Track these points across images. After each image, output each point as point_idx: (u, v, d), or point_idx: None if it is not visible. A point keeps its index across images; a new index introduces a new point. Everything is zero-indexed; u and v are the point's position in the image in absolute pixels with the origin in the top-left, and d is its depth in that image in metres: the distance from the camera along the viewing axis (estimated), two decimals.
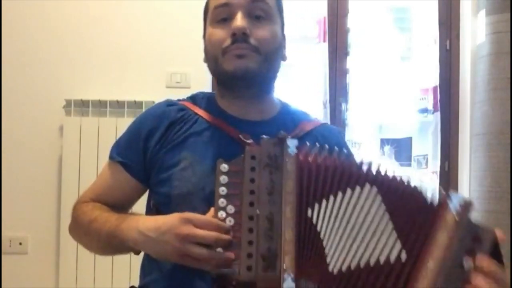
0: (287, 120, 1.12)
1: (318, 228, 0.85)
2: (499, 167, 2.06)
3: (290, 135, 0.92)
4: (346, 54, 2.49)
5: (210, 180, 0.94)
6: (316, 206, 0.85)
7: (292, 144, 0.89)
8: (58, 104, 2.38)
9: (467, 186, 2.28)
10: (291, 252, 0.83)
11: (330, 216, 0.85)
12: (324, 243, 0.84)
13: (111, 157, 1.13)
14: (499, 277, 0.79)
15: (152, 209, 1.09)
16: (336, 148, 0.90)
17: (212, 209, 0.90)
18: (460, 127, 2.43)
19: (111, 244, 1.02)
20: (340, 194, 0.85)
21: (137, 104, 2.35)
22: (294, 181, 0.86)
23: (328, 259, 0.84)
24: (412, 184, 0.86)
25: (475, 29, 2.27)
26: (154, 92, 2.37)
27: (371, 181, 0.85)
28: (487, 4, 2.16)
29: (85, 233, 1.09)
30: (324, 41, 2.41)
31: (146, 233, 0.93)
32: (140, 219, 0.98)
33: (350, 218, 0.84)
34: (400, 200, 0.84)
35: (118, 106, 2.37)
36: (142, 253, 1.12)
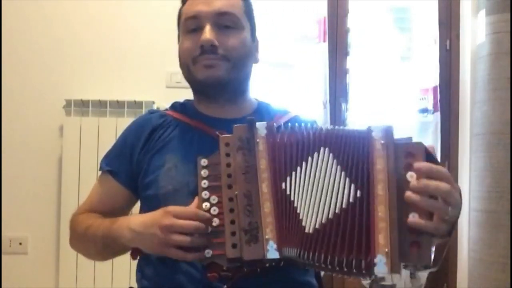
0: (264, 116, 1.17)
1: (292, 197, 0.93)
2: (499, 167, 2.06)
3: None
4: (346, 54, 2.49)
5: (194, 178, 1.00)
6: (288, 179, 0.94)
7: (261, 126, 0.97)
8: (58, 104, 2.38)
9: (467, 186, 2.27)
10: (271, 223, 0.92)
11: (299, 185, 0.93)
12: (298, 210, 0.92)
13: (100, 168, 1.20)
14: (438, 170, 0.86)
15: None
16: (297, 124, 0.98)
17: (195, 200, 0.96)
18: (460, 127, 2.43)
19: (107, 245, 1.08)
20: (304, 164, 0.94)
21: (137, 104, 2.35)
22: (266, 160, 0.95)
23: (303, 223, 0.91)
24: (349, 130, 0.96)
25: (475, 29, 2.27)
26: (154, 92, 2.37)
27: (323, 145, 0.94)
28: (487, 4, 2.16)
29: (83, 240, 1.14)
30: (324, 41, 2.41)
31: (135, 229, 1.00)
32: (131, 218, 1.05)
33: (314, 181, 0.92)
34: (344, 150, 0.93)
35: (118, 106, 2.37)
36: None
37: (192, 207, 0.96)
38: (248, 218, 0.92)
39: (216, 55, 1.09)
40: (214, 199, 0.95)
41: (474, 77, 2.26)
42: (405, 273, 2.37)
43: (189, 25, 1.12)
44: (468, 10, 2.36)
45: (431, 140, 2.41)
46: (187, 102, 1.23)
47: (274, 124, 0.99)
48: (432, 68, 2.43)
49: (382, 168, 0.88)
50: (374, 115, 2.50)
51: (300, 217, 0.91)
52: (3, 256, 2.36)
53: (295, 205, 0.92)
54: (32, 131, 2.42)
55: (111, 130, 2.29)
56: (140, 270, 1.13)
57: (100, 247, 1.09)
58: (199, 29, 1.10)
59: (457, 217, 0.91)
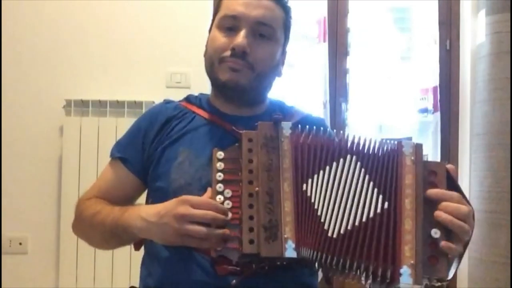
0: (277, 112, 1.16)
1: (313, 199, 0.94)
2: (499, 167, 2.06)
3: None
4: (346, 54, 2.49)
5: (207, 172, 1.00)
6: (309, 181, 0.95)
7: (286, 126, 0.97)
8: (58, 104, 2.38)
9: (467, 186, 2.27)
10: (290, 223, 0.92)
11: (321, 188, 0.94)
12: (319, 212, 0.93)
13: (111, 155, 1.18)
14: (455, 196, 0.93)
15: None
16: (321, 128, 1.00)
17: (208, 191, 0.97)
18: (460, 127, 2.43)
19: (115, 234, 1.06)
20: (327, 168, 0.95)
21: (137, 104, 2.35)
22: (290, 159, 0.95)
23: (326, 226, 0.92)
24: (378, 142, 0.97)
25: (475, 29, 2.27)
26: (154, 92, 2.37)
27: (350, 152, 0.96)
28: (487, 4, 2.16)
29: (89, 226, 1.12)
30: (324, 41, 2.41)
31: (148, 218, 0.98)
32: (142, 207, 1.04)
33: (339, 187, 0.94)
34: (372, 161, 0.95)
35: (118, 106, 2.37)
36: (141, 251, 1.13)
37: (206, 197, 0.96)
38: (269, 216, 0.92)
39: (244, 61, 1.08)
40: (228, 192, 0.95)
41: (474, 77, 2.26)
42: None
43: (226, 22, 1.11)
44: (468, 10, 2.36)
45: (431, 140, 2.41)
46: (202, 96, 1.22)
47: (299, 125, 0.98)
48: (432, 68, 2.43)
49: (411, 183, 0.93)
50: (374, 115, 2.50)
51: (322, 220, 0.93)
52: (3, 256, 2.36)
53: (316, 207, 0.93)
54: (32, 131, 2.42)
55: (111, 130, 2.29)
56: (145, 267, 1.11)
57: (108, 235, 1.08)
58: (234, 29, 1.10)
59: (468, 241, 0.96)
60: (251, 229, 0.91)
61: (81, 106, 2.38)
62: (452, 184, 0.95)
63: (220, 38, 1.11)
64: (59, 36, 2.44)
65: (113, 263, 2.28)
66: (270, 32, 1.11)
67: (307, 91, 2.49)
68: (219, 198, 0.95)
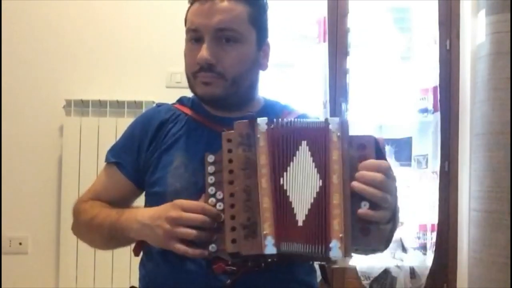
0: (271, 113, 1.15)
1: (288, 193, 0.95)
2: (499, 167, 2.06)
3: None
4: (346, 54, 2.49)
5: (202, 176, 1.01)
6: (285, 174, 0.96)
7: (262, 122, 0.98)
8: (58, 104, 2.38)
9: (467, 186, 2.27)
10: (269, 219, 0.93)
11: (293, 179, 0.95)
12: (293, 205, 0.95)
13: (106, 160, 1.20)
14: (378, 164, 0.94)
15: None
16: (292, 119, 1.02)
17: (202, 196, 0.99)
18: (460, 127, 2.43)
19: (113, 237, 1.09)
20: (294, 158, 0.96)
21: (137, 104, 2.35)
22: (266, 155, 0.97)
23: (296, 217, 0.94)
24: (317, 123, 0.99)
25: (475, 29, 2.27)
26: (154, 92, 2.37)
27: (303, 137, 0.97)
28: (487, 4, 2.16)
29: (88, 229, 1.14)
30: (324, 41, 2.41)
31: (142, 221, 1.01)
32: (139, 210, 1.07)
33: (301, 175, 0.95)
34: (314, 141, 0.97)
35: (118, 106, 2.37)
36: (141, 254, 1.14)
37: (199, 202, 0.98)
38: (247, 214, 0.93)
39: (213, 73, 1.08)
40: (219, 194, 0.97)
41: (474, 77, 2.26)
42: (405, 273, 2.37)
43: (191, 35, 1.13)
44: (468, 10, 2.36)
45: (431, 140, 2.41)
46: (195, 98, 1.22)
47: (275, 119, 0.99)
48: (432, 68, 2.43)
49: (337, 159, 0.94)
50: (374, 115, 2.50)
51: (294, 212, 0.94)
52: (3, 256, 2.36)
53: (290, 199, 0.95)
54: (32, 131, 2.42)
55: (111, 130, 2.29)
56: (143, 267, 1.13)
57: (106, 237, 1.10)
58: (201, 40, 1.10)
59: (395, 204, 0.98)
60: (233, 228, 0.94)
61: (81, 106, 2.38)
62: (381, 154, 0.98)
63: (189, 53, 1.13)
64: (59, 36, 2.44)
65: (113, 263, 2.28)
66: (234, 34, 1.09)
67: (307, 91, 2.49)
68: (212, 200, 0.97)
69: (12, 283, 2.35)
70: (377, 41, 2.53)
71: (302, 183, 0.95)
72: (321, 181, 0.94)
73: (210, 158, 0.99)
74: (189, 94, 1.23)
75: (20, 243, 2.39)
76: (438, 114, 2.40)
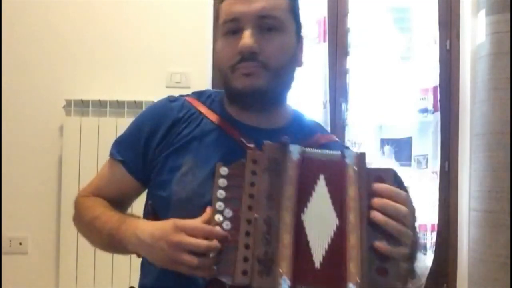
0: (299, 130, 1.10)
1: (307, 230, 0.88)
2: (499, 167, 2.06)
3: (303, 145, 0.93)
4: (346, 54, 2.49)
5: (210, 186, 0.93)
6: (305, 209, 0.88)
7: (295, 150, 0.90)
8: (58, 104, 2.38)
9: (467, 186, 2.27)
10: (287, 257, 0.85)
11: (311, 216, 0.89)
12: (311, 244, 0.87)
13: (111, 155, 1.13)
14: (398, 192, 0.87)
15: (149, 209, 1.09)
16: (320, 151, 0.94)
17: (208, 210, 0.90)
18: (460, 127, 2.43)
19: (111, 244, 1.04)
20: (313, 193, 0.89)
21: (137, 104, 2.35)
22: (294, 186, 0.88)
23: (313, 257, 0.87)
24: (331, 153, 0.93)
25: (475, 29, 2.27)
26: (154, 92, 2.36)
27: (322, 170, 0.91)
28: (487, 4, 2.16)
29: (88, 229, 1.10)
30: (324, 41, 2.41)
31: (142, 238, 0.94)
32: (139, 223, 0.99)
33: (319, 212, 0.89)
34: (330, 175, 0.90)
35: (118, 106, 2.37)
36: None
37: (204, 218, 0.90)
38: (265, 248, 0.85)
39: (256, 63, 1.01)
40: (228, 212, 0.88)
41: (474, 77, 2.26)
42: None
43: (228, 27, 1.03)
44: (468, 10, 2.36)
45: (431, 140, 2.40)
46: (215, 95, 1.14)
47: (309, 149, 0.92)
48: (432, 68, 2.43)
49: (354, 195, 0.88)
50: (374, 115, 2.50)
51: (312, 251, 0.87)
52: (3, 256, 2.36)
53: (308, 238, 0.88)
54: (32, 131, 2.42)
55: (111, 130, 2.29)
56: (144, 266, 1.10)
57: (105, 242, 1.06)
58: (238, 32, 1.02)
59: (415, 242, 0.91)
60: (245, 259, 0.85)
61: (81, 106, 2.38)
62: (401, 188, 0.90)
63: (226, 46, 1.04)
64: (59, 36, 2.44)
65: (113, 263, 2.28)
66: (276, 23, 1.02)
67: (307, 91, 2.48)
68: (218, 218, 0.88)
69: (12, 283, 2.35)
70: (377, 41, 2.53)
71: (320, 220, 0.88)
72: (338, 219, 0.87)
73: (223, 170, 0.90)
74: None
75: (20, 243, 2.39)
76: (438, 114, 2.40)
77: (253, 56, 1.00)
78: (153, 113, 1.12)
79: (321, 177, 0.90)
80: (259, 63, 1.01)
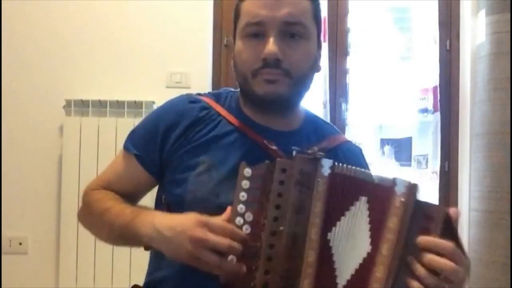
0: (312, 131, 1.11)
1: (333, 250, 0.86)
2: (499, 167, 2.06)
3: (317, 147, 0.91)
4: (346, 54, 2.49)
5: (226, 187, 0.92)
6: (333, 228, 0.87)
7: (326, 164, 0.88)
8: (58, 104, 2.38)
9: (467, 186, 2.27)
10: (310, 276, 0.84)
11: (340, 236, 0.87)
12: (335, 264, 0.86)
13: (125, 148, 1.11)
14: (445, 247, 0.81)
15: (163, 204, 1.07)
16: (354, 168, 0.90)
17: (228, 211, 0.89)
18: (460, 127, 2.43)
19: (123, 237, 1.01)
20: (347, 213, 0.87)
21: (137, 104, 2.35)
22: (323, 202, 0.86)
23: (337, 279, 0.85)
24: (387, 179, 0.88)
25: (475, 29, 2.27)
26: (154, 92, 2.37)
27: (363, 192, 0.87)
28: (487, 4, 2.16)
29: (98, 222, 1.07)
30: (324, 41, 2.41)
31: (161, 230, 0.91)
32: (156, 215, 0.97)
33: (351, 233, 0.86)
34: (373, 198, 0.87)
35: (118, 106, 2.37)
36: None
37: (224, 217, 0.88)
38: (289, 263, 0.84)
39: (279, 70, 0.99)
40: (249, 216, 0.87)
41: (474, 77, 2.26)
42: None
43: (250, 29, 1.01)
44: (468, 10, 2.36)
45: (431, 140, 2.40)
46: (232, 95, 1.12)
47: (340, 164, 0.89)
48: (432, 68, 2.43)
49: (394, 227, 0.83)
50: (374, 115, 2.50)
51: (336, 273, 0.86)
52: (3, 256, 2.36)
53: (334, 258, 0.86)
54: (32, 131, 2.42)
55: (111, 130, 2.29)
56: (159, 259, 1.05)
57: (115, 235, 1.03)
58: (261, 36, 1.00)
59: None
60: (266, 272, 0.84)
61: (81, 106, 2.38)
62: (450, 231, 0.84)
63: (248, 49, 1.02)
64: (59, 36, 2.44)
65: (113, 263, 2.28)
66: (301, 29, 1.01)
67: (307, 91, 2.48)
68: (239, 220, 0.87)
69: (12, 283, 2.35)
70: (377, 41, 2.54)
71: (350, 242, 0.86)
72: (370, 247, 0.84)
73: (247, 172, 0.88)
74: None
75: (20, 243, 2.39)
76: (438, 114, 2.40)
77: (277, 63, 0.99)
78: (172, 109, 1.10)
79: (363, 198, 0.87)
80: (282, 70, 1.00)
